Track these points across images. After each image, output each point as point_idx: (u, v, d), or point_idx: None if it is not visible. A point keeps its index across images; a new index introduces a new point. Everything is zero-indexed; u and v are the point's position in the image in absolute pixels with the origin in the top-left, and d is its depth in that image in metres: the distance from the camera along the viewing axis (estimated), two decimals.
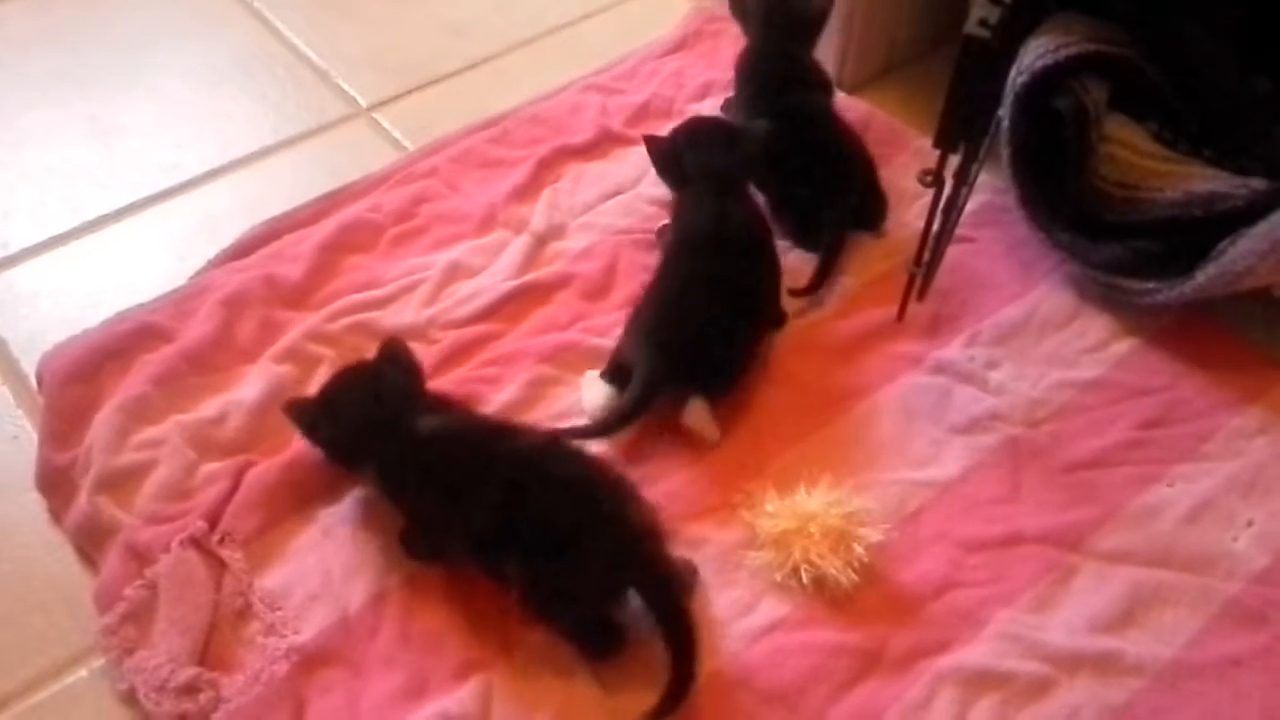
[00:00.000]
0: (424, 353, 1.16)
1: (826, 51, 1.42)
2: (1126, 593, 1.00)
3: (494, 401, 1.12)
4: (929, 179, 1.03)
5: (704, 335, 1.09)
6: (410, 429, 0.98)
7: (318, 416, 1.01)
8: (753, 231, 1.17)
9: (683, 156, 1.21)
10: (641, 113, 1.41)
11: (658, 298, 1.12)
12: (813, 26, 1.33)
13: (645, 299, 1.13)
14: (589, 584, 0.93)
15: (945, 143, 1.01)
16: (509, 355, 1.17)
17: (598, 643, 0.95)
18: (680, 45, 1.52)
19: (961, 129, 1.01)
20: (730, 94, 1.39)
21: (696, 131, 1.24)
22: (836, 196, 1.24)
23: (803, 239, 1.25)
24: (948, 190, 1.05)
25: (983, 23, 0.94)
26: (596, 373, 1.12)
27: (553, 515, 0.93)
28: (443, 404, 1.03)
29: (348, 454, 1.02)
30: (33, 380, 1.14)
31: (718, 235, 1.14)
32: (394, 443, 0.98)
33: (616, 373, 1.11)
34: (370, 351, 1.16)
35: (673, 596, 0.93)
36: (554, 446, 0.99)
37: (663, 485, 1.07)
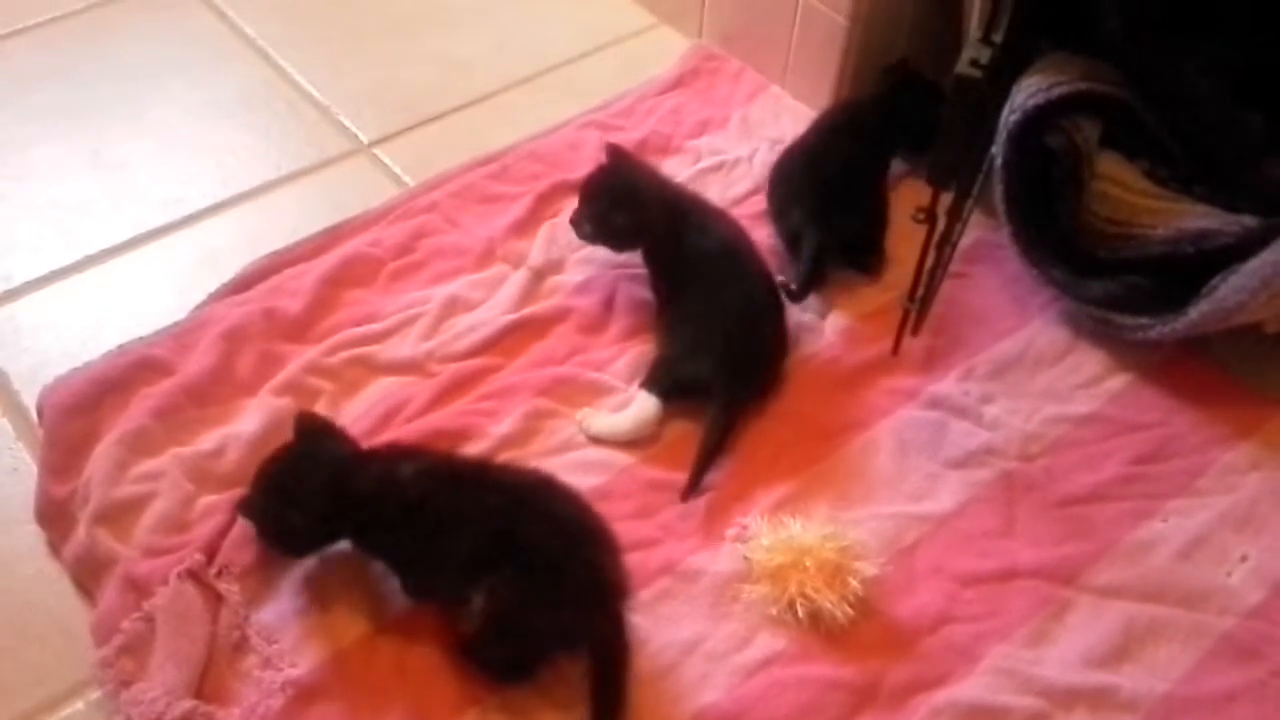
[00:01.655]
0: (422, 386, 1.17)
1: (824, 79, 1.44)
2: (1121, 628, 1.01)
3: (491, 434, 1.13)
4: (922, 216, 1.04)
5: (769, 345, 1.18)
6: (389, 478, 0.98)
7: (282, 507, 0.98)
8: (739, 235, 1.24)
9: (635, 213, 1.23)
10: (639, 149, 1.42)
11: (715, 317, 1.16)
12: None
13: (691, 322, 1.18)
14: (556, 625, 0.94)
15: (938, 179, 1.02)
16: (506, 389, 1.17)
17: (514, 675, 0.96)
18: (678, 83, 1.53)
19: (954, 166, 1.02)
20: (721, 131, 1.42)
21: (609, 189, 1.24)
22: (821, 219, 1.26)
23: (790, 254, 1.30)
24: (941, 226, 1.06)
25: (974, 63, 0.95)
26: (646, 393, 1.15)
27: (539, 550, 0.93)
28: (412, 451, 1.03)
29: (322, 534, 1.00)
30: (33, 413, 1.15)
31: (730, 248, 1.21)
32: (368, 503, 0.97)
33: (672, 388, 1.15)
34: (367, 384, 1.17)
35: (617, 666, 0.94)
36: (549, 484, 1.00)
37: (659, 518, 1.07)
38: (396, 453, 1.03)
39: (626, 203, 1.22)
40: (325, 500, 0.97)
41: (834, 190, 1.27)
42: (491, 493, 0.97)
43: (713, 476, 1.10)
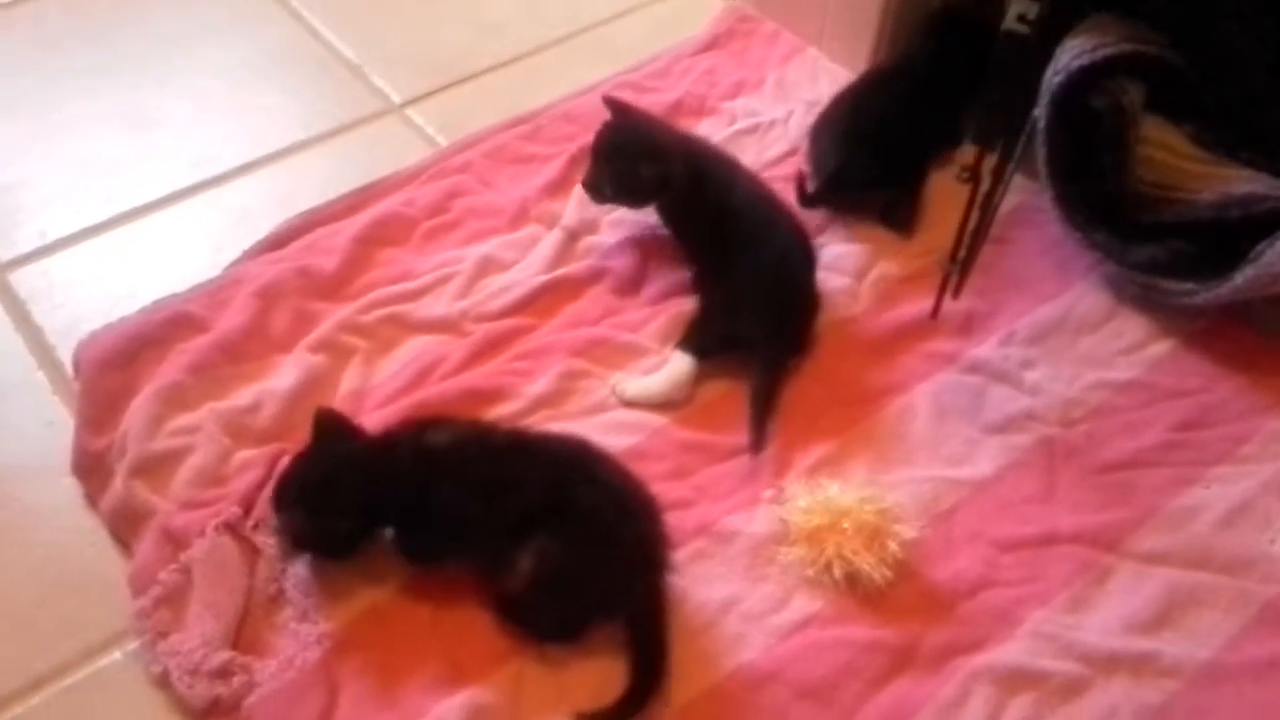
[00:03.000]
0: (456, 345, 1.16)
1: (862, 41, 1.42)
2: (1163, 594, 1.00)
3: (526, 394, 1.12)
4: (966, 175, 1.03)
5: (806, 299, 1.17)
6: (421, 451, 0.97)
7: (330, 514, 0.96)
8: (764, 188, 1.24)
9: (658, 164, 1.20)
10: (674, 111, 1.41)
11: (750, 273, 1.15)
12: None
13: (725, 279, 1.17)
14: (600, 592, 0.94)
15: (982, 138, 1.01)
16: (540, 349, 1.17)
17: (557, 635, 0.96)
18: (712, 44, 1.52)
19: (998, 125, 1.01)
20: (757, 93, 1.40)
21: (626, 143, 1.22)
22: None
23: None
24: (984, 186, 1.04)
25: (1021, 18, 0.93)
26: (681, 353, 1.14)
27: (590, 516, 0.93)
28: (436, 421, 1.01)
29: (365, 530, 0.98)
30: (68, 367, 1.15)
31: (759, 203, 1.20)
32: (406, 481, 0.97)
33: (709, 345, 1.14)
34: (402, 342, 1.17)
35: (656, 636, 0.94)
36: (588, 448, 0.99)
37: (695, 479, 1.07)
38: (419, 425, 1.01)
39: (649, 155, 1.19)
40: (363, 493, 0.96)
41: (869, 131, 1.27)
42: (535, 457, 0.97)
43: (749, 438, 1.09)
